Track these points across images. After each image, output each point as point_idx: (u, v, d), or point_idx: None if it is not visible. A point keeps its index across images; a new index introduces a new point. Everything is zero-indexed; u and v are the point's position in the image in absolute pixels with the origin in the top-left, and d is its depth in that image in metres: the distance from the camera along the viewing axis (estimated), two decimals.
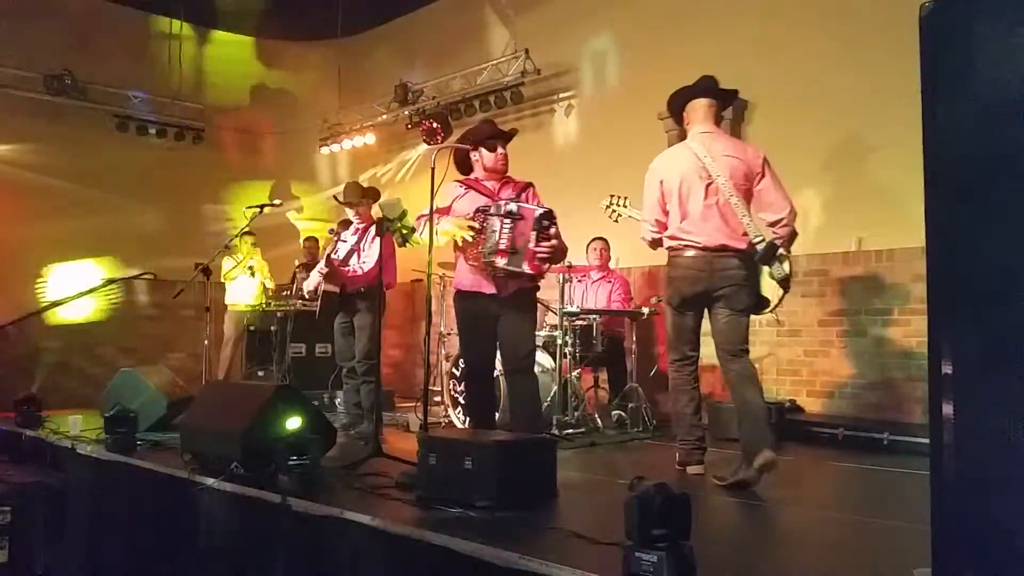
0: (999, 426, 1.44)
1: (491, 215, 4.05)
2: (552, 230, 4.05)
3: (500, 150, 4.30)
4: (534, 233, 3.97)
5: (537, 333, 6.02)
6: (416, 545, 2.77)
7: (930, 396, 1.53)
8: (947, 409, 1.50)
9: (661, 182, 4.15)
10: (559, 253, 4.17)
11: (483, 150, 4.30)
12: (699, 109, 4.25)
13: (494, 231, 4.01)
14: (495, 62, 8.30)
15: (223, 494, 3.69)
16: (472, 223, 4.06)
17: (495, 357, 4.35)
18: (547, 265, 4.11)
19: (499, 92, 8.21)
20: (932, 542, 1.52)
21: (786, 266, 4.11)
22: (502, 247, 3.97)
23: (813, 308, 6.19)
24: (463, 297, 4.26)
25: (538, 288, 4.37)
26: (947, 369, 1.51)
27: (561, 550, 2.53)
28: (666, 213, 4.15)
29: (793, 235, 4.19)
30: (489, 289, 4.15)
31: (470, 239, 4.04)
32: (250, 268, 8.06)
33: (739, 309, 4.07)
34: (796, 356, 6.24)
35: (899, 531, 2.77)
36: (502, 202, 4.07)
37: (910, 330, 5.56)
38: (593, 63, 7.91)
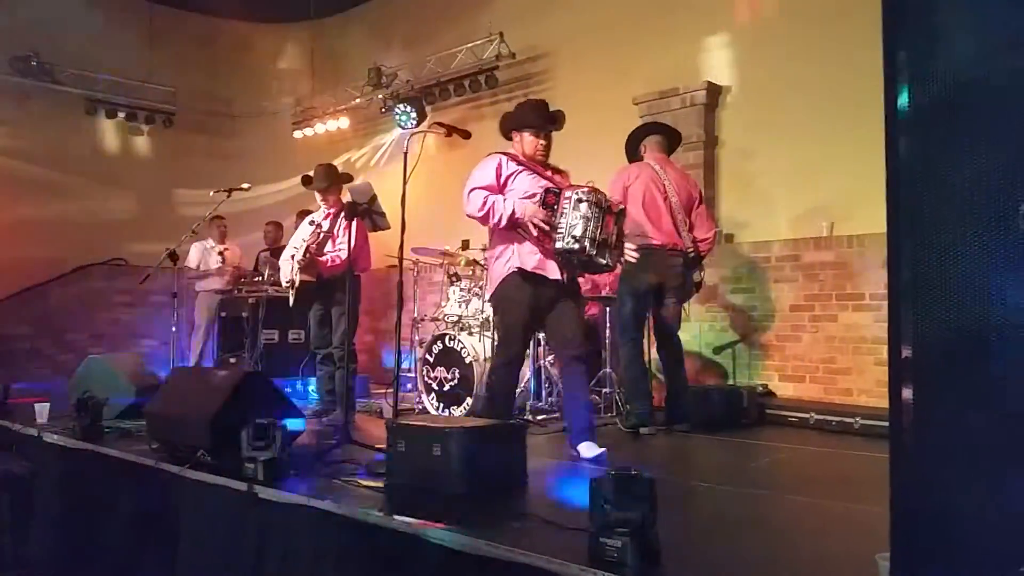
0: (958, 410, 1.44)
1: (578, 200, 3.84)
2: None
3: (542, 140, 4.11)
4: (617, 228, 3.96)
5: None
6: (383, 533, 2.75)
7: (890, 380, 1.53)
8: (906, 393, 1.50)
9: (626, 188, 4.91)
10: None
11: (526, 134, 4.12)
12: (654, 143, 5.25)
13: (583, 218, 3.81)
14: (470, 45, 8.23)
15: (190, 482, 3.64)
16: (543, 217, 3.89)
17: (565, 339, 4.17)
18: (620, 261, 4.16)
19: (474, 76, 8.15)
20: (890, 527, 1.52)
21: (701, 273, 5.35)
22: (599, 237, 3.83)
23: (785, 293, 6.22)
24: (524, 278, 4.01)
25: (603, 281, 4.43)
26: (907, 353, 1.50)
27: (530, 536, 2.51)
28: None
29: (709, 251, 5.28)
30: (554, 274, 4.00)
31: (543, 226, 3.88)
32: (220, 254, 7.94)
33: (680, 298, 5.11)
34: (768, 341, 6.27)
35: (866, 515, 2.78)
36: (583, 190, 3.88)
37: (881, 315, 5.59)
38: (568, 47, 7.86)
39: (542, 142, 4.10)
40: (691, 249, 5.11)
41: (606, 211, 3.87)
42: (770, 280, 6.33)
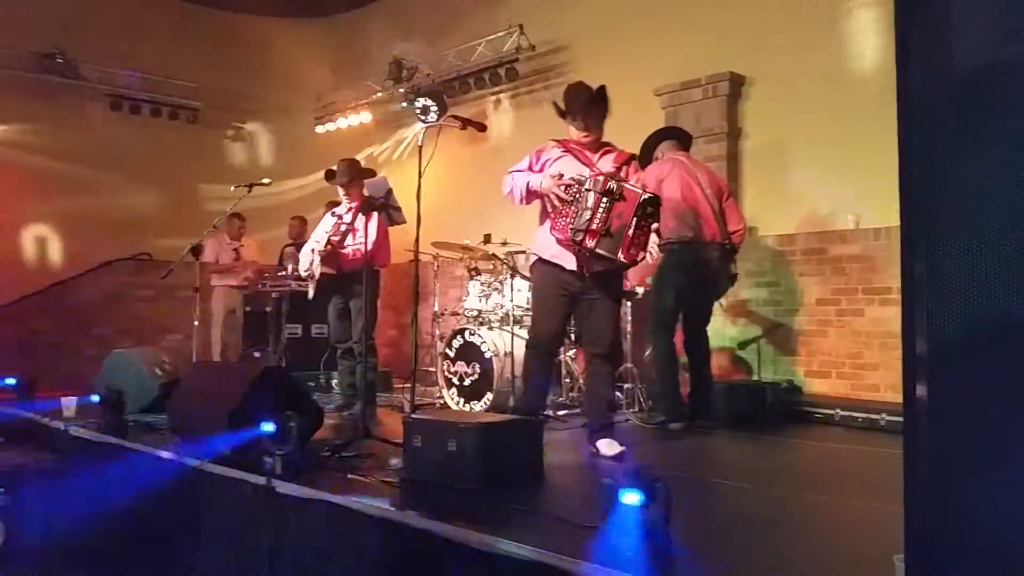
0: (975, 407, 1.39)
1: (587, 189, 3.73)
2: (655, 218, 3.77)
3: (581, 124, 4.01)
4: (635, 219, 3.65)
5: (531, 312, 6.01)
6: (397, 528, 2.74)
7: (904, 377, 1.48)
8: (921, 390, 1.45)
9: (660, 181, 4.79)
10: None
11: (567, 120, 4.05)
12: (670, 146, 5.24)
13: (588, 207, 3.70)
14: (489, 38, 8.19)
15: (210, 475, 3.66)
16: (561, 193, 3.79)
17: (563, 336, 4.14)
18: (641, 255, 3.78)
19: (494, 69, 8.12)
20: (905, 528, 1.48)
21: (734, 267, 5.21)
22: (595, 227, 3.67)
23: (811, 287, 6.13)
24: (543, 264, 4.03)
25: (621, 275, 4.09)
26: (922, 348, 1.45)
27: (542, 533, 2.49)
28: None
29: (740, 244, 5.22)
30: (570, 264, 3.92)
31: (558, 204, 3.81)
32: (235, 251, 7.94)
33: (717, 292, 5.04)
34: (793, 336, 6.18)
35: (887, 515, 2.71)
36: (601, 177, 3.74)
37: None
38: (589, 39, 7.79)
39: (581, 126, 4.02)
40: (727, 242, 5.08)
41: (617, 199, 3.68)
42: (795, 274, 6.24)
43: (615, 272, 4.00)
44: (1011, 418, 1.31)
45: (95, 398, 4.89)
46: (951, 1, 1.39)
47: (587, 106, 3.98)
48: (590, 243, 3.68)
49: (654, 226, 3.81)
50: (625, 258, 3.71)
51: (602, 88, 4.02)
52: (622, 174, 3.97)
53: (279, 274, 8.07)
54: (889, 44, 1.44)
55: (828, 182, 6.13)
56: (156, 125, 9.35)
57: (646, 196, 3.70)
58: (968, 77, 1.35)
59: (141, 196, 9.26)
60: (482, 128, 4.20)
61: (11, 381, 6.00)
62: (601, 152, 4.08)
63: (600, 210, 3.67)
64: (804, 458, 4.36)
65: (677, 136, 5.39)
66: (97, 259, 8.90)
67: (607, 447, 3.94)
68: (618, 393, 5.91)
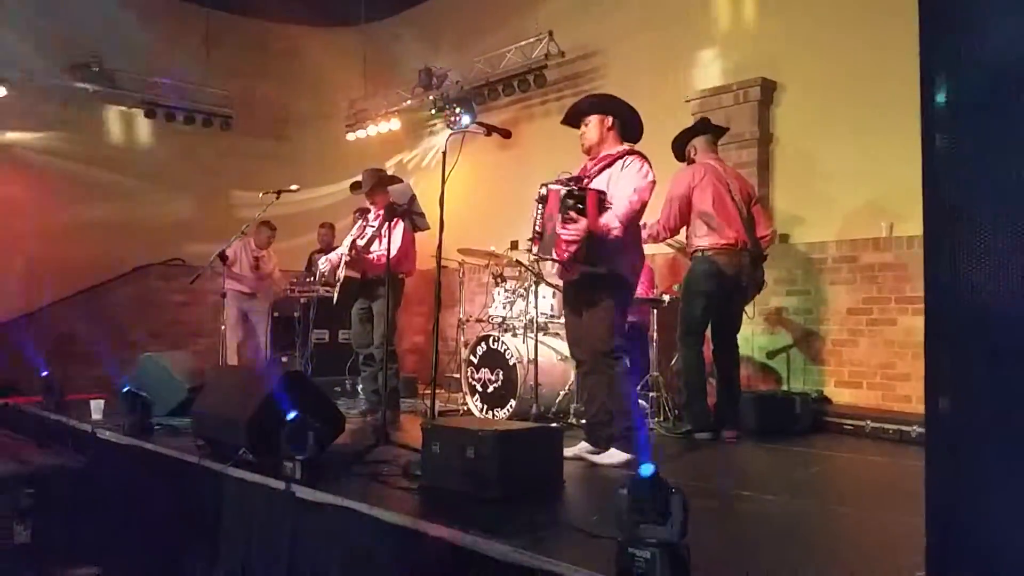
0: (999, 419, 1.33)
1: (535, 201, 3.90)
2: (580, 211, 3.66)
3: (582, 130, 4.07)
4: (560, 216, 3.67)
5: (556, 320, 5.96)
6: (413, 536, 2.72)
7: (926, 389, 1.43)
8: (943, 403, 1.39)
9: (692, 188, 4.89)
10: (598, 233, 3.68)
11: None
12: (704, 143, 5.17)
13: (532, 218, 3.88)
14: (519, 45, 8.19)
15: (231, 479, 3.68)
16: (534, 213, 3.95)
17: (576, 345, 4.11)
18: (577, 248, 3.66)
19: (523, 76, 8.11)
20: (926, 545, 1.42)
21: (762, 273, 5.16)
22: (533, 234, 3.87)
23: (842, 296, 6.01)
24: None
25: (609, 274, 3.83)
26: (945, 359, 1.40)
27: (557, 543, 2.46)
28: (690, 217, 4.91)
29: (767, 249, 5.18)
30: (564, 276, 4.05)
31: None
32: (255, 258, 7.86)
33: (747, 299, 5.03)
34: (824, 345, 6.07)
35: (913, 529, 2.64)
36: (542, 187, 3.90)
37: None
38: (619, 45, 7.75)
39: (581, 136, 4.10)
40: (756, 248, 5.05)
41: (544, 202, 3.81)
42: (826, 282, 6.13)
43: (591, 273, 3.82)
44: None
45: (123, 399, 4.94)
46: (976, 2, 1.33)
47: (570, 119, 4.16)
48: (535, 250, 3.86)
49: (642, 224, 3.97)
50: (559, 256, 3.72)
51: (574, 104, 4.16)
52: (594, 172, 3.94)
53: (307, 280, 8.12)
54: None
55: (860, 189, 6.01)
56: (189, 132, 9.48)
57: (564, 191, 3.70)
58: (993, 80, 1.29)
59: (174, 202, 9.39)
60: (507, 135, 4.19)
61: (44, 373, 6.10)
62: (596, 160, 4.03)
63: (536, 216, 3.85)
64: (832, 470, 4.26)
65: (710, 131, 5.31)
66: (131, 264, 9.04)
67: (608, 457, 3.85)
68: (643, 402, 5.86)
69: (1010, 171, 1.27)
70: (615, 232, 3.71)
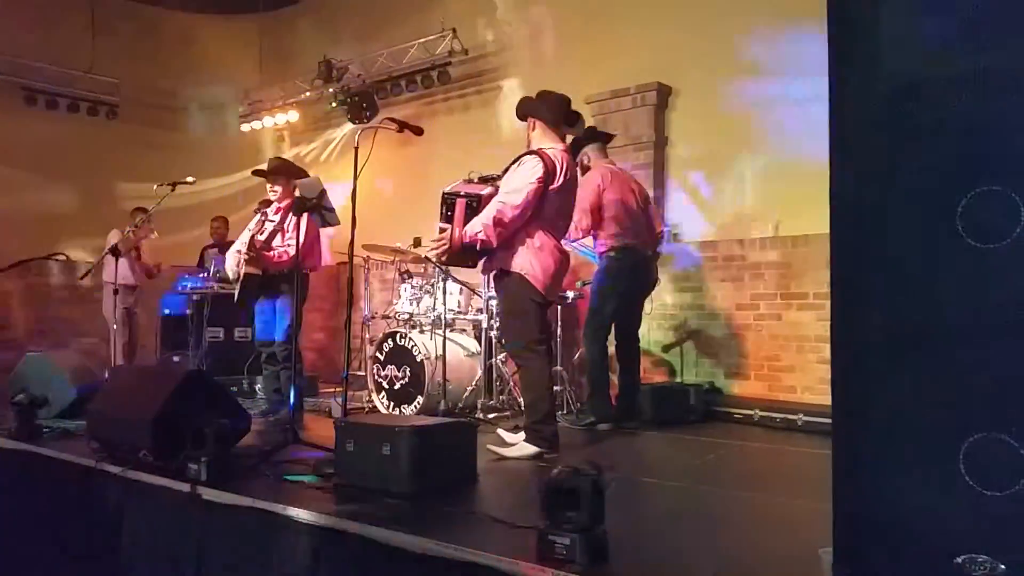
0: (898, 407, 1.48)
1: None
2: (451, 211, 4.03)
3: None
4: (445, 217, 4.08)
5: (464, 316, 6.02)
6: (331, 534, 2.72)
7: (832, 377, 1.56)
8: (847, 390, 1.53)
9: (601, 191, 5.06)
10: (466, 239, 3.94)
11: None
12: (598, 149, 5.38)
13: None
14: (422, 41, 8.17)
15: (132, 483, 3.55)
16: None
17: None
18: (441, 252, 4.06)
19: (426, 72, 8.11)
20: (833, 521, 1.56)
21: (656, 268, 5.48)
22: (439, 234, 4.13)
23: (732, 292, 6.32)
24: None
25: (510, 271, 3.97)
26: (847, 350, 1.54)
27: (479, 535, 2.52)
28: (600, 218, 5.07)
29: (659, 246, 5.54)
30: (483, 272, 4.44)
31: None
32: (137, 249, 7.51)
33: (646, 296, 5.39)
34: (714, 339, 6.37)
35: (810, 511, 2.84)
36: None
37: (824, 314, 5.71)
38: (522, 45, 7.86)
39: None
40: (654, 246, 5.41)
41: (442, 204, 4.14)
42: (716, 279, 6.42)
43: (499, 272, 4.08)
44: (931, 417, 1.40)
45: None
46: (880, 16, 1.47)
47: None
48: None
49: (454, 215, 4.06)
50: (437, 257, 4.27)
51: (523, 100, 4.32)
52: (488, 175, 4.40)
53: (200, 275, 7.84)
54: (815, 56, 1.52)
55: (749, 190, 6.35)
56: (73, 121, 8.99)
57: (442, 196, 4.11)
58: (896, 98, 1.44)
59: (57, 194, 8.89)
60: (419, 132, 4.20)
61: None
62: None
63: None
64: (728, 457, 4.49)
65: (599, 139, 5.50)
66: (9, 259, 8.48)
67: (516, 450, 4.00)
68: None
69: (910, 179, 1.42)
70: (482, 235, 3.91)
